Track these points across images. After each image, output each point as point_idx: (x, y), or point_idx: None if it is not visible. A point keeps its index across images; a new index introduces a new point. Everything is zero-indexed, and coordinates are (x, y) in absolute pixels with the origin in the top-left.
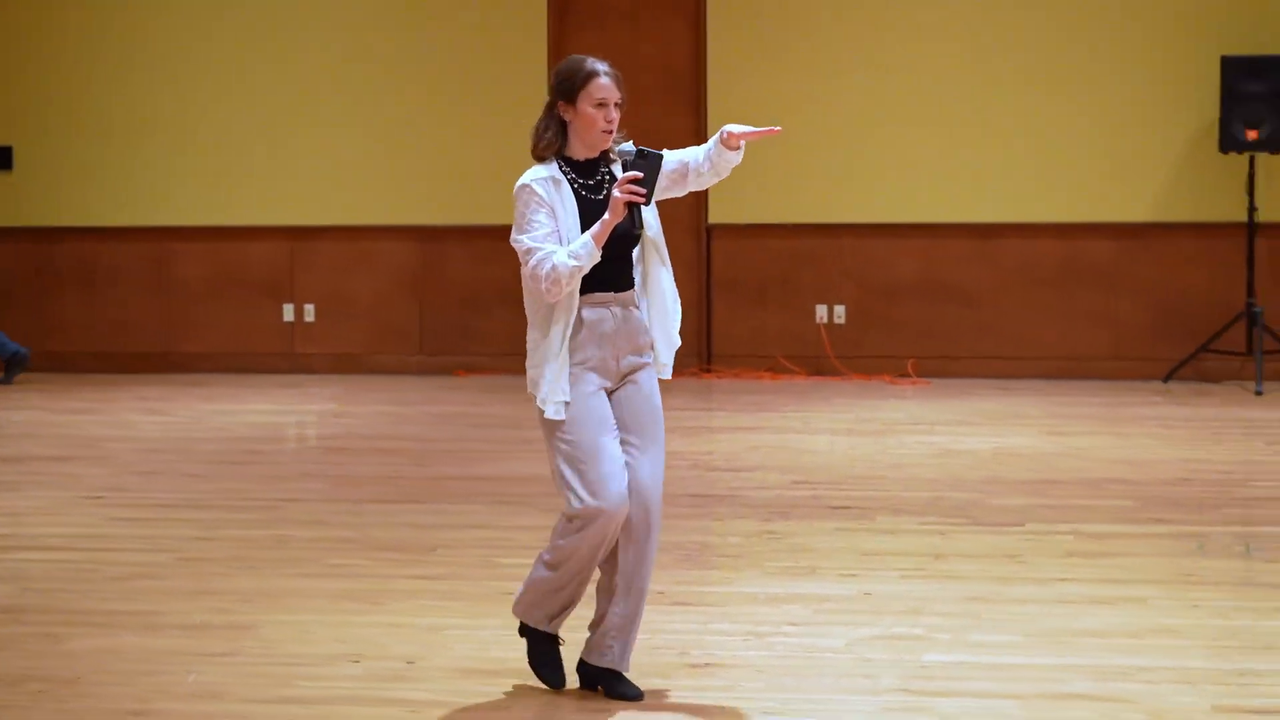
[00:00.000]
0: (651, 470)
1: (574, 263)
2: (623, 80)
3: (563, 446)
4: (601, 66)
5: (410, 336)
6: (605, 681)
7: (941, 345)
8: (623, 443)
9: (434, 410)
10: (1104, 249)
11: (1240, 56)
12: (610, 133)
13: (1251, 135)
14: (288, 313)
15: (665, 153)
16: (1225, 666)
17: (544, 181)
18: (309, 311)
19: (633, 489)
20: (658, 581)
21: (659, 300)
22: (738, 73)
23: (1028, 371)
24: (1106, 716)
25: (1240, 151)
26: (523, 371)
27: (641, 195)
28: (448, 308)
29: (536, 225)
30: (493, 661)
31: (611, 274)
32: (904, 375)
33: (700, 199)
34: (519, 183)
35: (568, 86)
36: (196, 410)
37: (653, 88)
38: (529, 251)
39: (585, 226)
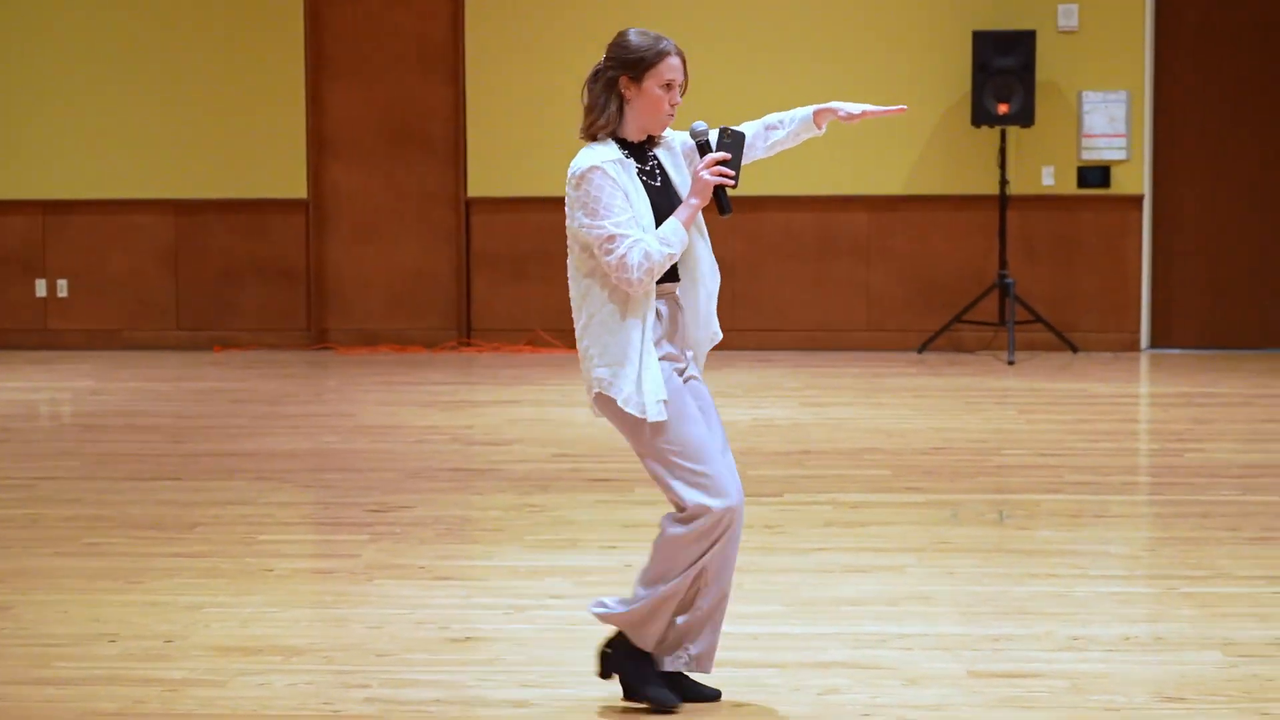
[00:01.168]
0: (729, 457)
1: (667, 249)
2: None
3: (669, 450)
4: (672, 45)
5: (167, 311)
6: (678, 684)
7: None
8: None
9: (192, 386)
10: (859, 221)
11: (991, 31)
12: (673, 116)
13: (1002, 109)
14: (40, 288)
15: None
16: (980, 632)
17: (615, 164)
18: (62, 286)
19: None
20: (418, 557)
21: (706, 286)
22: (496, 44)
23: (785, 343)
24: (865, 683)
25: (992, 125)
26: (284, 346)
27: (730, 177)
28: (205, 282)
29: (616, 210)
30: (253, 639)
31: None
32: None
33: (459, 172)
34: (585, 165)
35: (636, 62)
36: None
37: (409, 57)
38: (613, 239)
39: (658, 213)
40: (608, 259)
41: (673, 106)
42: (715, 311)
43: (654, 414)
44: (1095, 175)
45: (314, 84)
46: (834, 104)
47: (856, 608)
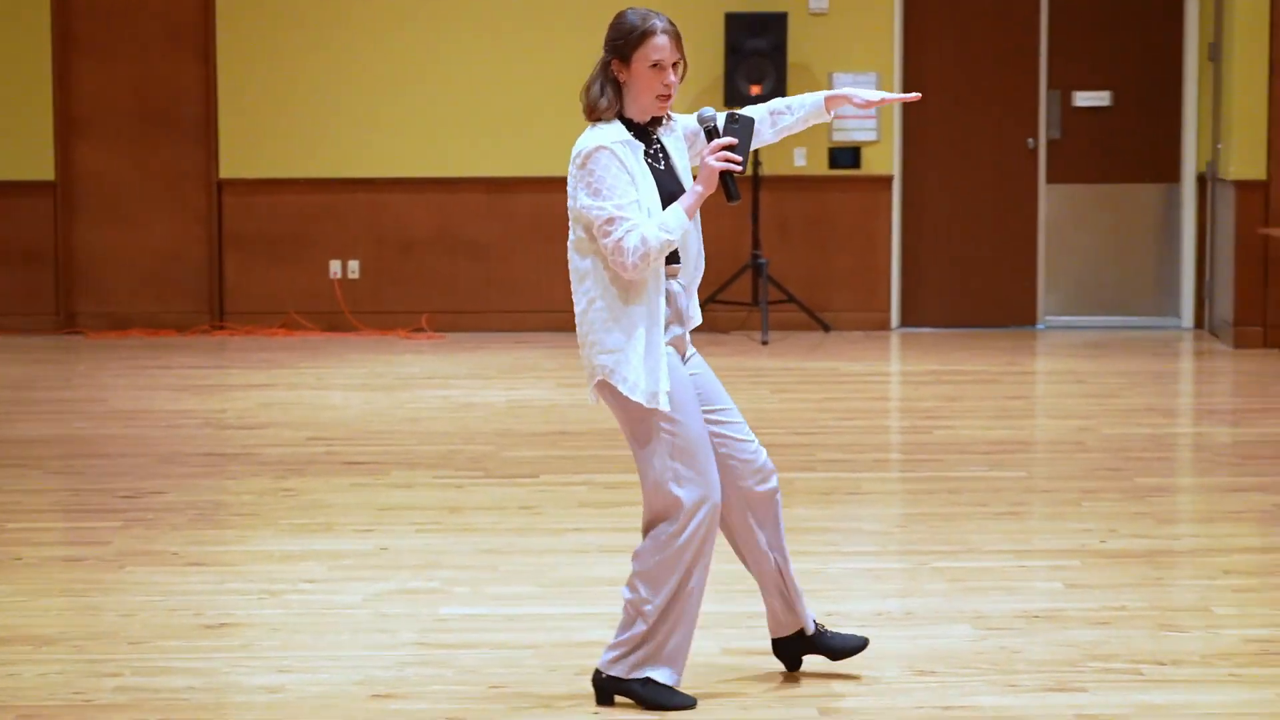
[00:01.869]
0: (744, 432)
1: (666, 235)
2: (681, 38)
3: (667, 436)
4: (659, 23)
5: None
6: (823, 646)
7: (456, 299)
8: (717, 418)
9: None
10: None
11: (742, 13)
12: (668, 97)
13: (755, 90)
14: None
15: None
16: (734, 610)
17: (623, 145)
18: None
19: (753, 458)
20: (170, 543)
21: (696, 269)
22: (248, 24)
23: (541, 324)
24: None
25: (744, 106)
26: (32, 330)
27: (738, 162)
28: None
29: (619, 193)
30: (1, 629)
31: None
32: (419, 330)
33: (210, 153)
34: (591, 144)
35: (621, 44)
36: None
37: (159, 36)
38: (611, 221)
39: (664, 196)
40: (605, 241)
41: (667, 86)
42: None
43: (661, 404)
44: (846, 156)
45: (61, 63)
46: (848, 90)
47: (613, 588)
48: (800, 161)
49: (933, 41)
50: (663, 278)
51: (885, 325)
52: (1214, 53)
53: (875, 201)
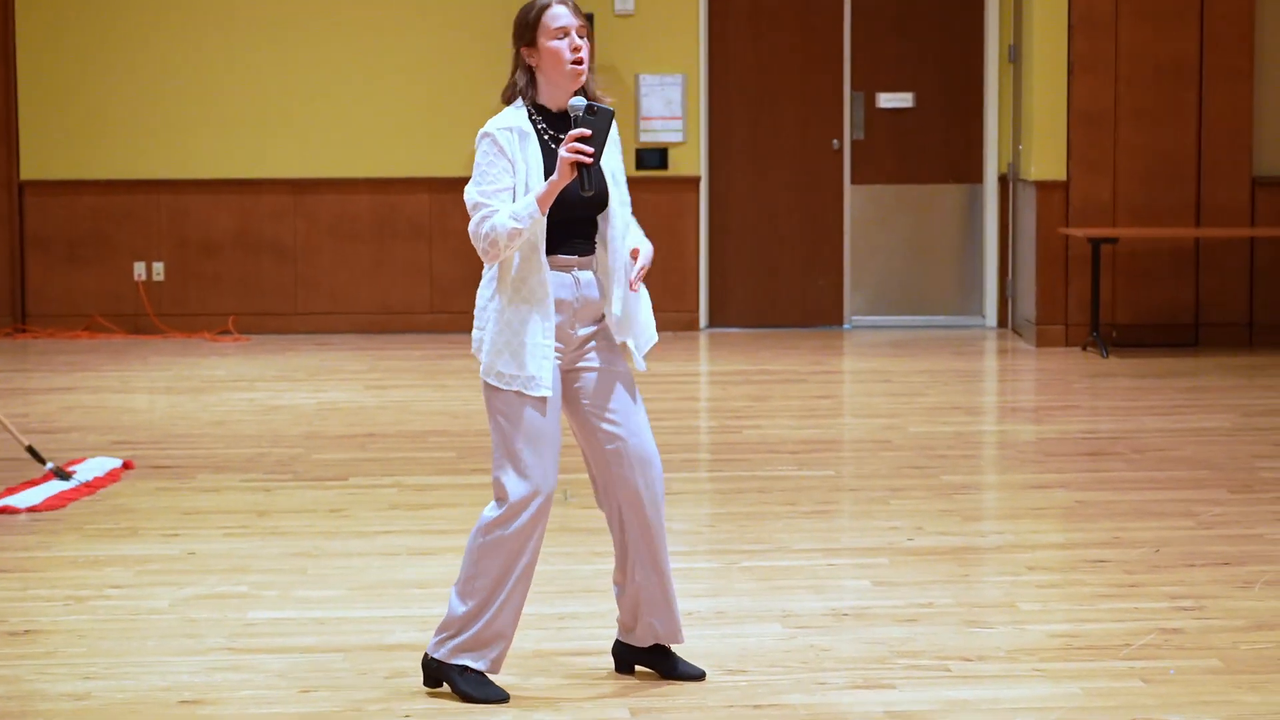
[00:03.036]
0: (642, 438)
1: (513, 224)
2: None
3: (507, 425)
4: None
5: None
6: (655, 662)
7: (261, 301)
8: (603, 419)
9: None
10: (420, 203)
11: None
12: (581, 62)
13: None
14: None
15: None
16: (545, 611)
17: (508, 132)
18: None
19: (632, 459)
20: None
21: (622, 272)
22: (48, 23)
23: (347, 326)
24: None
25: None
26: None
27: (589, 155)
28: None
29: (490, 179)
30: None
31: (575, 236)
32: (224, 332)
33: (11, 154)
34: (482, 130)
35: (523, 28)
36: None
37: None
38: (474, 206)
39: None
40: (469, 226)
41: (575, 51)
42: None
43: (504, 384)
44: (653, 157)
45: None
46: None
47: (423, 590)
48: None
49: (737, 43)
50: (544, 271)
51: (694, 325)
52: (1013, 54)
53: (682, 202)
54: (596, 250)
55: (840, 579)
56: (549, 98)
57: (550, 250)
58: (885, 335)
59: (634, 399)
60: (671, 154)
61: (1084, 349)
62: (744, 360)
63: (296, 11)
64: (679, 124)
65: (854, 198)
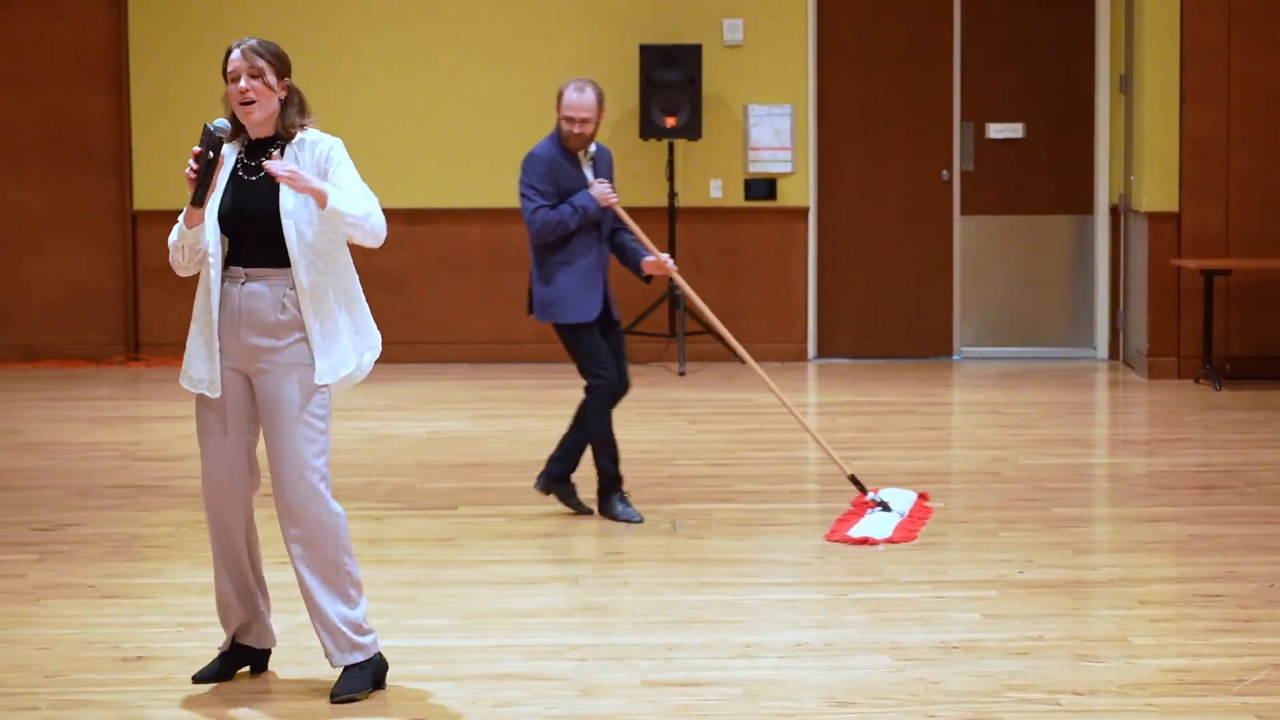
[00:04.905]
0: (279, 466)
1: (172, 238)
2: (268, 50)
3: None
4: (242, 43)
5: None
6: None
7: None
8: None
9: None
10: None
11: (656, 45)
12: (247, 104)
13: (670, 122)
14: None
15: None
16: (653, 641)
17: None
18: None
19: (272, 483)
20: (86, 575)
21: (316, 301)
22: (161, 55)
23: (457, 356)
24: (540, 695)
25: (660, 138)
26: None
27: (194, 169)
28: None
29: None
30: None
31: (244, 249)
32: None
33: (124, 185)
34: None
35: (223, 70)
36: None
37: (68, 68)
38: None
39: (233, 205)
40: None
41: (243, 93)
42: (344, 333)
43: (183, 383)
44: (761, 187)
45: None
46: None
47: (531, 619)
48: (716, 193)
49: (846, 73)
50: (212, 276)
51: (802, 356)
52: (1125, 84)
53: (790, 233)
54: (293, 267)
55: (949, 611)
56: (250, 129)
57: (228, 263)
58: (995, 367)
59: (280, 425)
60: (780, 185)
61: (1196, 381)
62: (852, 391)
63: (408, 43)
64: (788, 155)
65: (963, 229)
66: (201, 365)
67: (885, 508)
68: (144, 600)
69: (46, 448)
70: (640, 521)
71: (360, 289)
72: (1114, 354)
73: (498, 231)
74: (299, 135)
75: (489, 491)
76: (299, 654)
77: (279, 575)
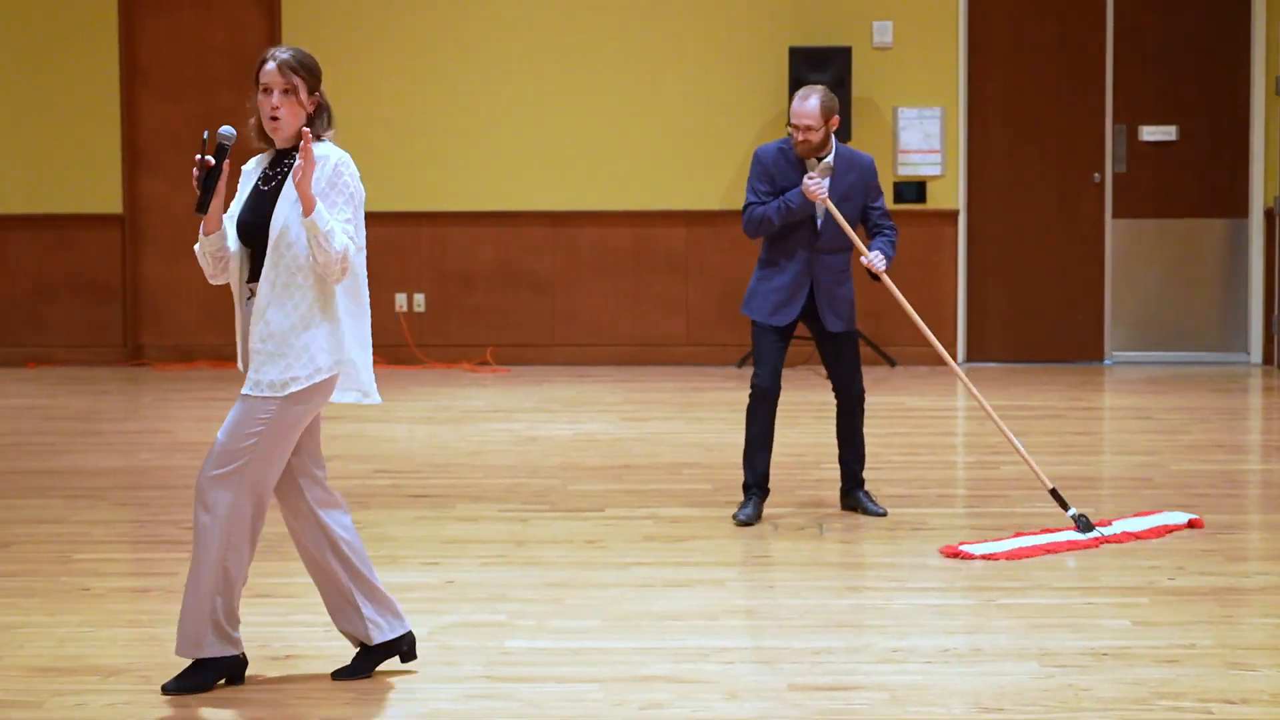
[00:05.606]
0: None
1: (196, 246)
2: (302, 65)
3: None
4: (274, 53)
5: None
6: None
7: (519, 333)
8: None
9: (3, 404)
10: (677, 236)
11: (806, 47)
12: (274, 119)
13: None
14: None
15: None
16: (799, 645)
17: (246, 172)
18: None
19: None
20: None
21: (282, 307)
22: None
23: (603, 358)
24: (686, 697)
25: None
26: (99, 362)
27: (197, 177)
28: (17, 298)
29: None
30: (69, 659)
31: (259, 263)
32: (483, 363)
33: None
34: None
35: (255, 77)
36: None
37: (223, 70)
38: None
39: (249, 215)
40: None
41: (273, 109)
42: (303, 343)
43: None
44: (911, 190)
45: (128, 96)
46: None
47: (677, 622)
48: None
49: (997, 75)
50: (239, 289)
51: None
52: None
53: (940, 236)
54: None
55: (1099, 618)
56: (275, 138)
57: (250, 275)
58: (1146, 371)
59: (249, 428)
60: (929, 187)
61: None
62: (1001, 395)
63: (555, 47)
64: (937, 157)
65: (1115, 232)
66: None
67: (1085, 527)
68: (293, 600)
69: (198, 448)
70: (747, 524)
71: (345, 311)
72: (1268, 359)
73: (645, 234)
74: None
75: (636, 494)
76: (446, 654)
77: (422, 576)
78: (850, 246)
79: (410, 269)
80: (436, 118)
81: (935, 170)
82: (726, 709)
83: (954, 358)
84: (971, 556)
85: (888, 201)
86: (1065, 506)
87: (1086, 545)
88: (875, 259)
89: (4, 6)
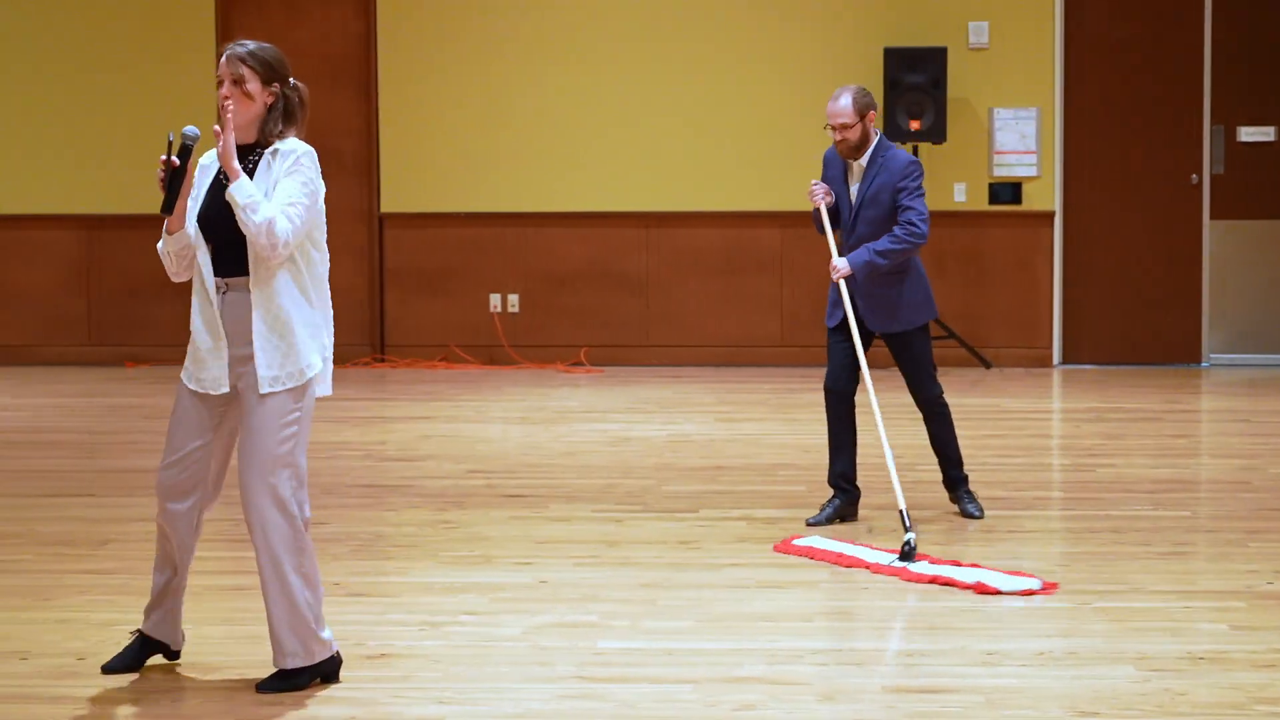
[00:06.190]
0: (247, 477)
1: (159, 245)
2: (254, 57)
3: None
4: (232, 47)
5: (78, 327)
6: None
7: (612, 333)
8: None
9: (103, 402)
10: (771, 237)
11: (901, 48)
12: (225, 109)
13: (914, 125)
14: None
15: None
16: (894, 647)
17: (203, 168)
18: None
19: (244, 486)
20: (331, 573)
21: (262, 302)
22: (408, 60)
23: (698, 359)
24: (779, 699)
25: (903, 141)
26: None
27: (161, 177)
28: (117, 298)
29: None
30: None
31: (221, 259)
32: (577, 363)
33: (372, 187)
34: None
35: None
36: None
37: (319, 73)
38: None
39: (209, 210)
40: None
41: (224, 99)
42: (282, 337)
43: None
44: (1006, 192)
45: None
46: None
47: (771, 623)
48: (960, 197)
49: (1094, 75)
50: (201, 284)
51: (1046, 362)
52: None
53: (1036, 237)
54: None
55: (1196, 622)
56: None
57: (214, 272)
58: (1244, 374)
59: (250, 436)
60: (1025, 189)
61: None
62: (1097, 398)
63: (649, 48)
64: (1033, 158)
65: (1213, 233)
66: (187, 369)
67: (906, 553)
68: (388, 599)
69: None
70: (815, 525)
71: (317, 296)
72: None
73: (740, 235)
74: (275, 144)
75: (729, 495)
76: (539, 654)
77: (515, 576)
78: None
79: (504, 269)
80: (530, 118)
81: (1031, 171)
82: (820, 711)
83: (1050, 360)
84: (794, 550)
85: (982, 203)
86: (906, 529)
87: (886, 571)
88: (836, 264)
89: (103, 12)
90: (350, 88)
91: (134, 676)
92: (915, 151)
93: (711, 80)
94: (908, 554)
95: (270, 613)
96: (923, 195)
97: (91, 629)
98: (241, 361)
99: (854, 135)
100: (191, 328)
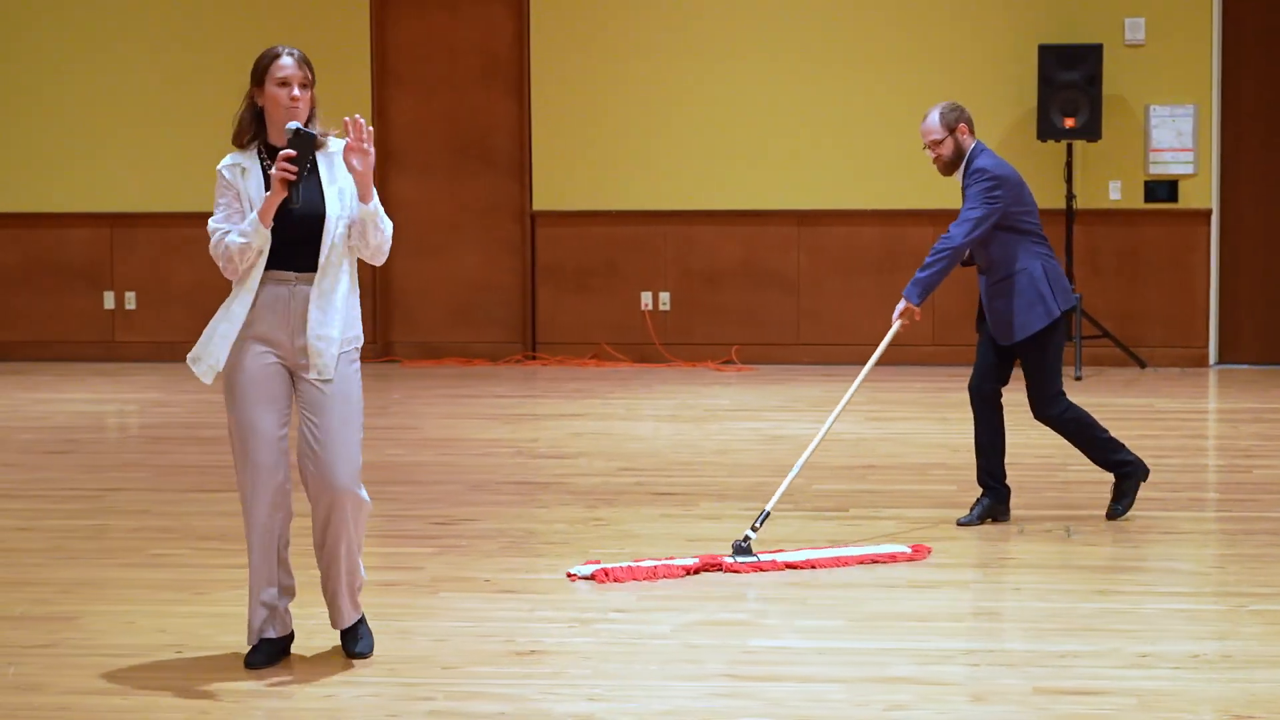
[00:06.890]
0: (329, 456)
1: (241, 240)
2: (309, 64)
3: (230, 419)
4: (285, 50)
5: None
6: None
7: (765, 332)
8: (308, 423)
9: None
10: (924, 235)
11: (1056, 45)
12: (295, 107)
13: (1068, 123)
14: (108, 300)
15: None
16: (1045, 648)
17: (231, 167)
18: (130, 299)
19: (318, 470)
20: (482, 569)
21: (327, 292)
22: (560, 59)
23: (849, 358)
24: (929, 699)
25: (1058, 139)
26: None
27: (292, 172)
28: None
29: (220, 208)
30: (316, 650)
31: (293, 253)
32: (728, 362)
33: (524, 185)
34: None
35: (255, 72)
36: (14, 399)
37: (473, 71)
38: (211, 232)
39: (303, 205)
40: (209, 248)
41: (292, 100)
42: (338, 326)
43: (199, 372)
44: (1162, 189)
45: (380, 97)
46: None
47: (922, 623)
48: (1115, 195)
49: (1252, 71)
50: (256, 277)
51: (1202, 362)
52: None
53: (1192, 235)
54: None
55: None
56: (274, 135)
57: (272, 265)
58: None
59: (335, 418)
60: (1181, 187)
61: None
62: (1254, 398)
63: (802, 45)
64: (1190, 156)
65: None
66: (221, 352)
67: (739, 548)
68: (538, 596)
69: (445, 444)
70: (966, 524)
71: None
72: None
73: (892, 233)
74: (327, 146)
75: (880, 494)
76: (689, 652)
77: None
78: (996, 262)
79: (656, 267)
80: (682, 117)
81: (1188, 169)
82: (971, 712)
83: (1206, 360)
84: (576, 577)
85: (1137, 201)
86: (754, 529)
87: (696, 569)
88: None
89: (262, 14)
90: (503, 86)
91: (286, 671)
92: (1069, 150)
93: (865, 78)
94: (742, 549)
95: (344, 581)
96: (977, 205)
97: (244, 623)
98: (305, 351)
99: (946, 150)
100: (237, 320)
